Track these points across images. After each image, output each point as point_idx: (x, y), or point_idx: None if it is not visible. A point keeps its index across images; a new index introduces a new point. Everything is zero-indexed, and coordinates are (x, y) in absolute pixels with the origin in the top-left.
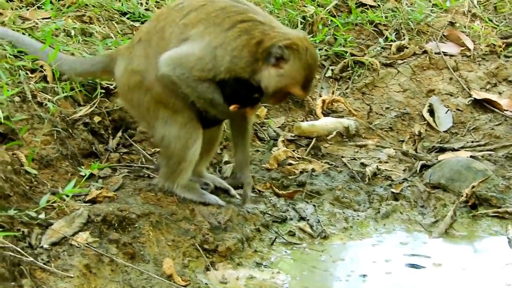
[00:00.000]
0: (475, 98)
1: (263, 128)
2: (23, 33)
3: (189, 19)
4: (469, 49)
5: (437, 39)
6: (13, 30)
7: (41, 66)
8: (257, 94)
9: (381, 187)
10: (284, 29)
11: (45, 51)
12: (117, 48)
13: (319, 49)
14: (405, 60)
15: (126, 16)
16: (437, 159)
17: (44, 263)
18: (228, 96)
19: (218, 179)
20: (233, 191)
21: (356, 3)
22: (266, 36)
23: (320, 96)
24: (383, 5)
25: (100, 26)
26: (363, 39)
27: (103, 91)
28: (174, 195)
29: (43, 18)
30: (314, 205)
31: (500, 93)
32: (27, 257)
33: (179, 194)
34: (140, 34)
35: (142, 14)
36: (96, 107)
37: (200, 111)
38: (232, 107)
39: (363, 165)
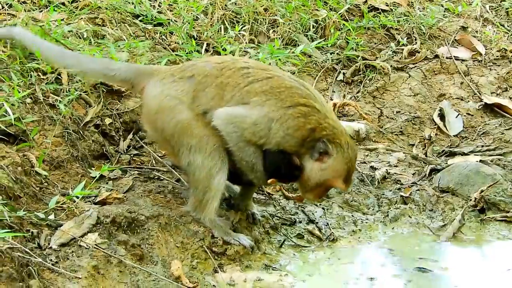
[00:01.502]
0: (485, 103)
1: None
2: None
3: (253, 88)
4: (480, 54)
5: (448, 43)
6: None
7: (57, 69)
8: (297, 172)
9: (390, 190)
10: (334, 121)
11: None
12: (153, 66)
13: (331, 53)
14: (416, 65)
15: (139, 19)
16: (446, 163)
17: (52, 264)
18: (268, 167)
19: (233, 187)
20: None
21: (368, 7)
22: (319, 126)
23: (331, 99)
24: (395, 10)
25: (112, 29)
26: (375, 43)
27: (104, 89)
28: (184, 198)
29: (55, 20)
30: (323, 208)
31: (510, 98)
32: (35, 257)
33: (207, 226)
34: (194, 71)
35: (155, 17)
36: (107, 108)
37: (235, 170)
38: (270, 181)
39: (373, 168)
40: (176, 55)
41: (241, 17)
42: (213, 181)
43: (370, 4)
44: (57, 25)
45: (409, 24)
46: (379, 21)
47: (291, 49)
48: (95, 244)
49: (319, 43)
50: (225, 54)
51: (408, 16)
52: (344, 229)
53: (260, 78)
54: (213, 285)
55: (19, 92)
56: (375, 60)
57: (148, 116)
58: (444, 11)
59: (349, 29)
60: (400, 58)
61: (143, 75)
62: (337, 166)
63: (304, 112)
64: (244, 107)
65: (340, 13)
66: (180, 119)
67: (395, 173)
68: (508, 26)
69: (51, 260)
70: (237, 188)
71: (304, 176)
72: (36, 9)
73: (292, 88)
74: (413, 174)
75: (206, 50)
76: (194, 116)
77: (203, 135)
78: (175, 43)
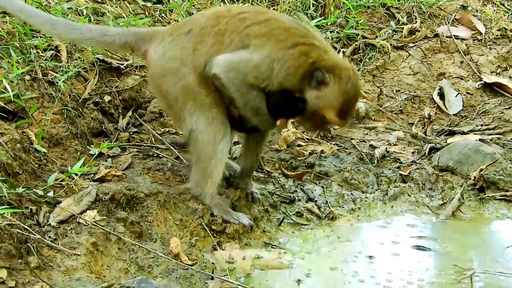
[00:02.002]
0: (485, 82)
1: None
2: None
3: (252, 30)
4: (480, 33)
5: (448, 22)
6: None
7: (56, 47)
8: (301, 104)
9: (390, 169)
10: (335, 56)
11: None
12: (152, 29)
13: (331, 32)
14: (416, 43)
15: None
16: (446, 142)
17: (51, 241)
18: (272, 108)
19: (234, 165)
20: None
21: None
22: (319, 59)
23: None
24: None
25: (112, 6)
26: (375, 22)
27: (103, 66)
28: (182, 176)
29: None
30: (322, 187)
31: (510, 77)
32: (34, 234)
33: (206, 203)
34: (191, 26)
35: None
36: (106, 86)
37: (236, 117)
38: (279, 123)
39: (372, 147)
40: None
41: None
42: (217, 147)
43: None
44: (57, 2)
45: (409, 2)
46: None
47: None
48: (94, 221)
49: (319, 21)
50: None
51: None
52: (343, 207)
53: (258, 21)
54: (212, 263)
55: (18, 68)
56: (375, 38)
57: (152, 80)
58: None
59: (349, 8)
60: (400, 37)
61: (143, 38)
62: (332, 96)
63: (305, 51)
64: (244, 51)
65: None
66: (184, 84)
67: (394, 151)
68: (508, 5)
69: (50, 237)
70: (237, 167)
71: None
72: None
73: (290, 29)
74: (412, 152)
75: None
76: (197, 80)
77: (207, 100)
78: (175, 20)
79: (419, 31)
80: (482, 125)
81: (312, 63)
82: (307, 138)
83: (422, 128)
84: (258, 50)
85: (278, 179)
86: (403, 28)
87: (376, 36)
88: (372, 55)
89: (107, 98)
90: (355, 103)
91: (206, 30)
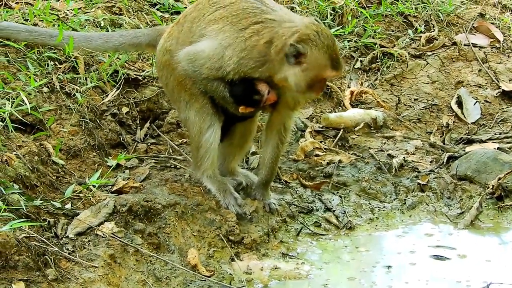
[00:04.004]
0: (503, 90)
1: None
2: (53, 25)
3: (215, 16)
4: (498, 41)
5: (466, 30)
6: (43, 20)
7: (75, 58)
8: (258, 96)
9: (408, 178)
10: (293, 22)
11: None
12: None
13: (348, 41)
14: (434, 52)
15: (156, 7)
16: (464, 150)
17: (69, 253)
18: (233, 96)
19: (251, 176)
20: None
21: None
22: (275, 35)
23: (349, 87)
24: None
25: (129, 17)
26: (392, 31)
27: (121, 77)
28: (200, 186)
29: (72, 9)
30: (340, 196)
31: None
32: (52, 247)
33: (204, 184)
34: (181, 16)
35: (172, 5)
36: (124, 97)
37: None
38: (241, 109)
39: (390, 156)
40: None
41: None
42: (202, 137)
43: None
44: (74, 14)
45: (427, 11)
46: (396, 8)
47: None
48: (112, 233)
49: (336, 30)
50: None
51: (426, 3)
52: (361, 217)
53: (223, 5)
54: (230, 274)
55: (36, 81)
56: (392, 47)
57: (158, 71)
58: None
59: (367, 17)
60: (417, 46)
61: (161, 34)
62: (317, 60)
63: (257, 30)
64: (201, 42)
65: (358, 1)
66: (176, 75)
67: (412, 160)
68: None
69: (67, 249)
70: (254, 178)
71: (292, 83)
72: None
73: (247, 9)
74: (430, 161)
75: None
76: (184, 73)
77: (194, 92)
78: None
79: (437, 40)
80: (500, 133)
81: (269, 42)
82: (325, 148)
83: (440, 136)
84: (212, 38)
85: (295, 189)
86: (421, 36)
87: (394, 45)
88: (390, 64)
89: (124, 109)
90: (337, 48)
91: (186, 18)
